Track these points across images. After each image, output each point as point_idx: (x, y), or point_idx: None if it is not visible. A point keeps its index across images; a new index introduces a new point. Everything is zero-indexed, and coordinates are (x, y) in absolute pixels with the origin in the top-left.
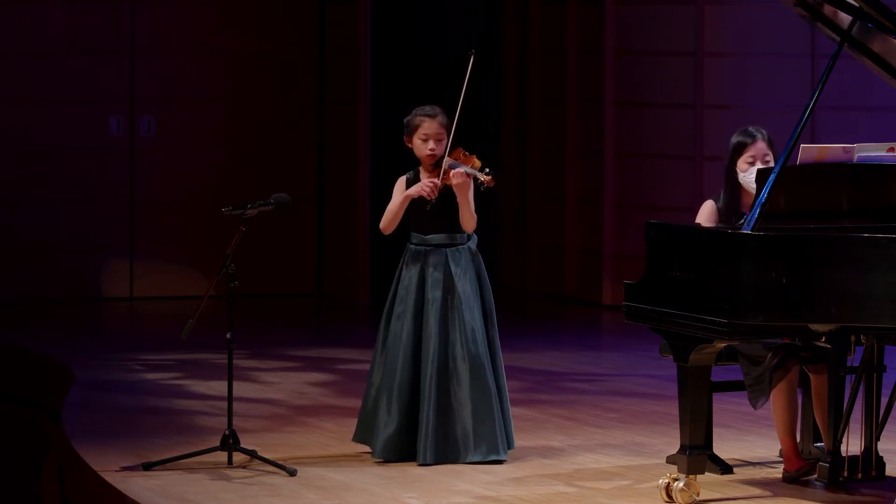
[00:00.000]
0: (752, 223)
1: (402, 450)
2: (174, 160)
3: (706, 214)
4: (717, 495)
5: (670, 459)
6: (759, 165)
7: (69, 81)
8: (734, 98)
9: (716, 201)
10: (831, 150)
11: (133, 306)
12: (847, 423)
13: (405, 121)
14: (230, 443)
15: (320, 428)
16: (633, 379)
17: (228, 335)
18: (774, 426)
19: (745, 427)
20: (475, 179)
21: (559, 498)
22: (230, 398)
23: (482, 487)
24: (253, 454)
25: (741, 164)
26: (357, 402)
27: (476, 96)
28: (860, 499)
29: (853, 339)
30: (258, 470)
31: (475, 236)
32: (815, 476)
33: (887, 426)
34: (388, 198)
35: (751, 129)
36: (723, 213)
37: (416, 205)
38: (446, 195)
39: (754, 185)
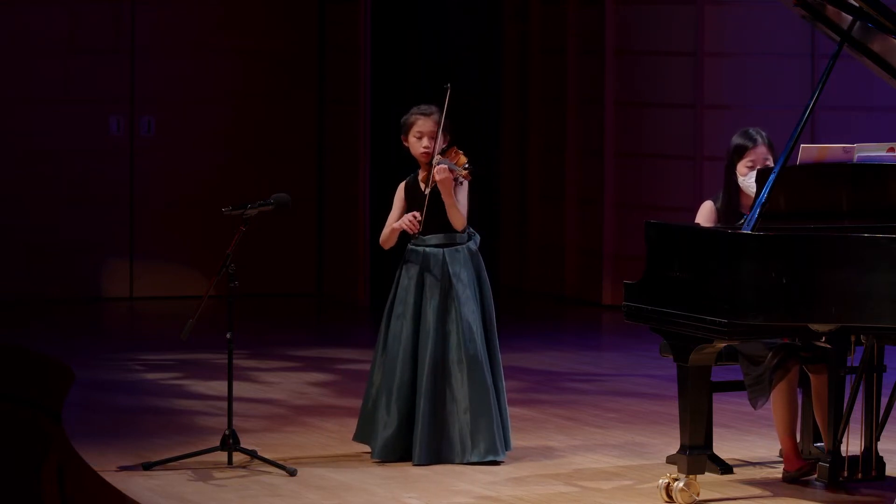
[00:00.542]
0: (752, 223)
1: (401, 451)
2: (174, 160)
3: (705, 215)
4: (717, 495)
5: (670, 459)
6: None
7: (69, 81)
8: (734, 98)
9: (715, 202)
10: (831, 150)
11: (133, 306)
12: (847, 423)
13: (402, 120)
14: (230, 443)
15: (320, 428)
16: (633, 379)
17: (228, 335)
18: (774, 426)
19: (745, 427)
20: (456, 174)
21: (559, 498)
22: (230, 398)
23: (482, 487)
24: (253, 454)
25: (741, 168)
26: (357, 402)
27: (476, 96)
28: (860, 499)
29: (853, 339)
30: (258, 470)
31: (477, 236)
32: (815, 476)
33: (887, 426)
34: (388, 198)
35: (751, 131)
36: (722, 214)
37: (414, 206)
38: None
39: (754, 190)
